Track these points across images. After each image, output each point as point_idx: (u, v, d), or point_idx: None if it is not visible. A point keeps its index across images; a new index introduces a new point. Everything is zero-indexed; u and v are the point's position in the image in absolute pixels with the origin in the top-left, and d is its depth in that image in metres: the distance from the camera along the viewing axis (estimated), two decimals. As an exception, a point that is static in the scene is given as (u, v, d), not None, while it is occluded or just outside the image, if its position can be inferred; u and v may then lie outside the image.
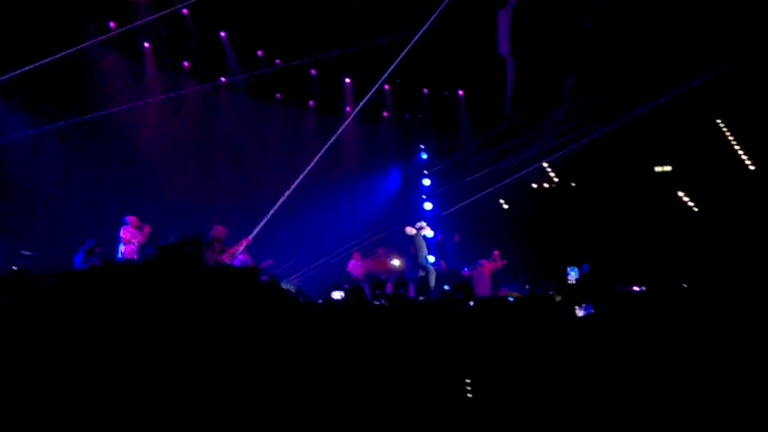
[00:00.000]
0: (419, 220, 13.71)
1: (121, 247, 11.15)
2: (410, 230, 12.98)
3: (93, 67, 12.14)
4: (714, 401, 2.41)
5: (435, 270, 12.76)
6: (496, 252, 14.13)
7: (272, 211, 11.99)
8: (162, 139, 13.27)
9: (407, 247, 12.96)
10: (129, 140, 12.89)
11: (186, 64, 14.00)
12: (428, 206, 17.32)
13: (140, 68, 13.33)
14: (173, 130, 13.50)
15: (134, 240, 11.16)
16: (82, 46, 10.98)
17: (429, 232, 12.82)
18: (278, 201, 12.69)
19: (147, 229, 11.34)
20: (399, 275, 14.19)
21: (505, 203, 17.43)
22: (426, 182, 17.67)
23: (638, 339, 3.20)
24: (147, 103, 12.87)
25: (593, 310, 4.38)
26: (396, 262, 15.48)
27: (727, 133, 15.98)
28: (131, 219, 11.28)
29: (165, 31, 13.12)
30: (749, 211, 14.83)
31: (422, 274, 12.61)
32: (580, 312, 4.39)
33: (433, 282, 12.19)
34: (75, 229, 11.64)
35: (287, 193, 12.58)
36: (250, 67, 14.27)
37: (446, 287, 10.27)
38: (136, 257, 11.20)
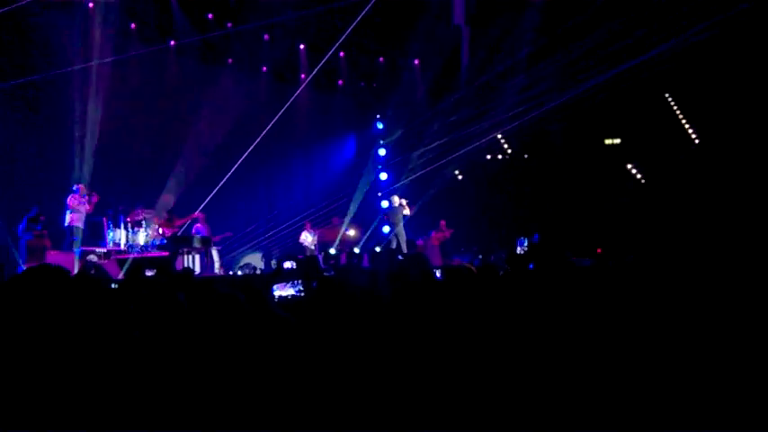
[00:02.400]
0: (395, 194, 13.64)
1: (68, 215, 10.87)
2: (396, 200, 12.87)
3: (34, 27, 11.55)
4: (659, 376, 2.49)
5: (387, 239, 12.81)
6: (443, 222, 14.23)
7: (222, 181, 11.81)
8: (109, 103, 12.80)
9: (363, 218, 12.93)
10: (74, 104, 12.40)
11: (133, 26, 13.47)
12: (383, 176, 17.30)
13: (84, 30, 12.74)
14: (120, 95, 13.02)
15: (80, 208, 10.88)
16: (21, 3, 10.46)
17: (407, 210, 12.74)
18: (230, 168, 12.47)
19: (94, 198, 11.11)
20: (353, 246, 14.22)
21: (460, 174, 17.55)
22: (382, 151, 17.60)
23: (589, 311, 3.25)
24: (92, 66, 12.33)
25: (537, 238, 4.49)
26: (351, 232, 15.47)
27: (675, 107, 16.41)
28: (81, 187, 11.04)
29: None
30: (693, 183, 15.35)
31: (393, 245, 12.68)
32: (519, 249, 4.52)
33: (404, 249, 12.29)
34: (18, 196, 11.25)
35: (239, 161, 12.37)
36: (200, 30, 13.82)
37: (399, 257, 10.31)
38: (82, 225, 10.95)
